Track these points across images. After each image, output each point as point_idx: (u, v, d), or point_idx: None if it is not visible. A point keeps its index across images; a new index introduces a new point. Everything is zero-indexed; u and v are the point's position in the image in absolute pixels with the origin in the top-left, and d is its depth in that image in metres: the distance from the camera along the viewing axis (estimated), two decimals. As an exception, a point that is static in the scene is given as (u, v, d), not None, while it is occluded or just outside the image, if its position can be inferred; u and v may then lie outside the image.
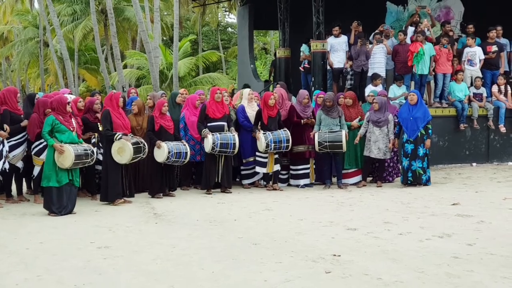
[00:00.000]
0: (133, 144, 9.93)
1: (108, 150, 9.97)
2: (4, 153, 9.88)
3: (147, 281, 5.68)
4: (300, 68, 17.07)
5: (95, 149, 10.36)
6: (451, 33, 15.58)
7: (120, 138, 9.82)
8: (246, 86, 16.18)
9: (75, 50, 40.19)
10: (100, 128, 10.43)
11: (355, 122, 11.80)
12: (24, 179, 10.82)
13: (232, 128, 11.23)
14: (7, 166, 9.95)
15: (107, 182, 10.00)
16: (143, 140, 10.31)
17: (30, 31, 45.49)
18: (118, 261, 6.36)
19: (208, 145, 10.89)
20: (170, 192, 10.91)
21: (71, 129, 9.32)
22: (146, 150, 10.27)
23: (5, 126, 9.79)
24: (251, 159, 11.65)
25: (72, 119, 9.48)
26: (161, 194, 10.75)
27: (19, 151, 10.11)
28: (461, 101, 14.57)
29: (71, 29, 36.82)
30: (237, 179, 12.08)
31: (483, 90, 14.94)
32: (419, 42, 14.16)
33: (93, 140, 10.50)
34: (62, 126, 9.20)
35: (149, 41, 25.93)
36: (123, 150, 9.85)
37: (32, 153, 10.10)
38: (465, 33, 16.20)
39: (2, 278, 5.83)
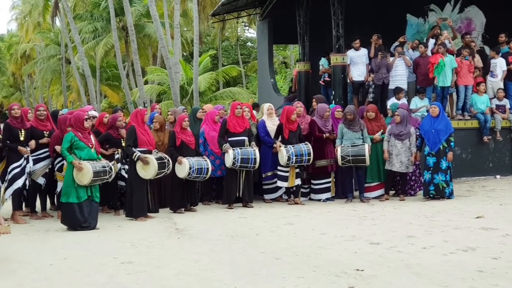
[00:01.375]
0: (157, 159, 9.97)
1: (133, 166, 10.02)
2: (27, 169, 9.99)
3: (170, 296, 5.69)
4: (320, 81, 17.06)
5: (118, 165, 10.45)
6: (472, 44, 15.49)
7: (138, 159, 9.87)
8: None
9: (96, 67, 40.60)
10: (123, 144, 10.48)
11: (377, 136, 11.74)
12: (48, 195, 10.89)
13: (253, 143, 11.24)
14: (41, 182, 10.14)
15: (132, 198, 10.05)
16: (167, 156, 10.35)
17: (52, 48, 46.11)
18: (141, 276, 6.37)
19: (229, 160, 10.90)
20: (192, 207, 10.92)
21: (90, 145, 9.38)
22: (171, 165, 10.31)
23: (30, 143, 9.94)
24: (269, 173, 11.65)
25: (91, 135, 9.55)
26: (183, 209, 10.76)
27: (38, 166, 10.21)
28: (484, 113, 14.46)
29: (92, 46, 37.19)
30: (260, 195, 12.02)
31: (506, 102, 14.82)
32: (439, 53, 14.10)
33: (116, 156, 10.55)
34: (81, 142, 9.27)
35: (170, 57, 26.12)
36: (148, 166, 9.90)
37: (55, 168, 10.20)
38: (487, 44, 16.07)
39: (26, 294, 5.87)
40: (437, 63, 13.99)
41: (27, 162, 10.01)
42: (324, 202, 11.56)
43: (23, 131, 10.02)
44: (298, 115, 11.81)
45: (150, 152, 10.11)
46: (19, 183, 9.91)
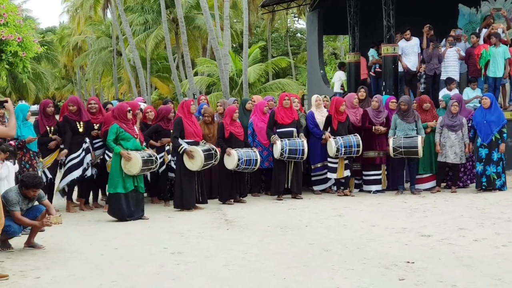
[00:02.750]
0: (204, 151, 10.04)
1: (180, 158, 10.12)
2: (87, 160, 10.17)
3: (220, 286, 5.74)
4: (371, 72, 16.91)
5: (169, 157, 10.56)
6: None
7: (184, 151, 9.95)
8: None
9: (147, 59, 41.05)
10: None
11: (433, 123, 11.53)
12: (100, 186, 11.06)
13: (302, 134, 11.22)
14: (89, 173, 10.29)
15: (181, 189, 10.15)
16: (214, 147, 10.41)
17: (103, 40, 46.78)
18: (190, 266, 6.45)
19: (277, 151, 10.91)
20: (241, 198, 10.97)
21: (135, 136, 9.51)
22: (218, 156, 10.36)
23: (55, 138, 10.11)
24: (319, 165, 11.63)
25: (135, 126, 9.67)
26: (232, 200, 10.82)
27: (90, 157, 10.36)
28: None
29: (143, 38, 37.58)
30: (308, 186, 12.00)
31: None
32: (486, 44, 13.86)
33: (167, 148, 10.66)
34: (126, 133, 9.39)
35: (219, 48, 26.20)
36: (194, 157, 9.98)
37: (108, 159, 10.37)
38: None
39: (78, 284, 6.00)
40: (480, 54, 13.74)
41: (87, 153, 10.20)
42: (374, 194, 11.48)
43: (81, 123, 10.20)
44: (353, 107, 11.74)
45: (197, 144, 10.19)
46: (75, 174, 10.11)
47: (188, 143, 10.09)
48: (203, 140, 10.39)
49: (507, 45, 14.44)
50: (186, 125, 10.19)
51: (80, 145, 10.13)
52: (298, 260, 6.60)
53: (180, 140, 10.08)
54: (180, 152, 10.01)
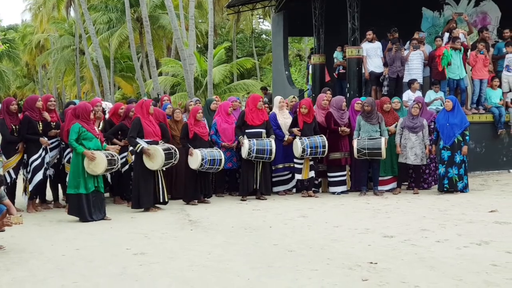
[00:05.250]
0: (164, 150, 9.98)
1: (138, 157, 10.03)
2: (46, 159, 10.05)
3: (183, 287, 5.69)
4: (335, 74, 17.00)
5: (133, 157, 10.48)
6: (486, 38, 15.38)
7: (141, 150, 9.87)
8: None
9: (110, 58, 40.68)
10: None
11: (393, 128, 11.67)
12: (60, 186, 10.93)
13: (272, 135, 11.23)
14: (50, 172, 10.19)
15: (138, 189, 10.07)
16: (174, 146, 10.35)
17: (66, 39, 46.21)
18: (154, 267, 6.39)
19: (244, 151, 10.90)
20: (205, 199, 10.93)
21: (97, 136, 9.40)
22: (177, 156, 10.30)
23: (47, 137, 10.00)
24: (280, 166, 11.66)
25: (95, 126, 9.56)
26: (196, 200, 10.77)
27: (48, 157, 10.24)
28: (498, 107, 14.37)
29: (106, 37, 37.28)
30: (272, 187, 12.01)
31: (521, 96, 14.72)
32: (445, 45, 14.09)
33: (130, 148, 10.57)
34: (88, 133, 9.26)
35: (184, 48, 26.11)
36: (154, 157, 9.90)
37: (65, 160, 10.25)
38: (501, 38, 15.96)
39: (39, 285, 5.90)
40: (442, 54, 13.94)
41: (46, 153, 10.07)
42: (338, 195, 11.54)
43: (40, 122, 10.06)
44: (323, 108, 11.80)
45: (156, 143, 10.11)
46: (40, 175, 10.00)
47: (147, 142, 10.00)
48: (161, 140, 10.30)
49: (468, 49, 14.66)
50: (145, 125, 10.08)
51: (40, 145, 9.99)
52: (262, 260, 6.59)
53: (139, 140, 9.99)
54: (138, 150, 9.92)
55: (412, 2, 18.67)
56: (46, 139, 10.02)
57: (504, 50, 15.07)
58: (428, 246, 7.08)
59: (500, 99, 14.53)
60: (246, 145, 10.84)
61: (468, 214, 9.17)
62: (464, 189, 11.38)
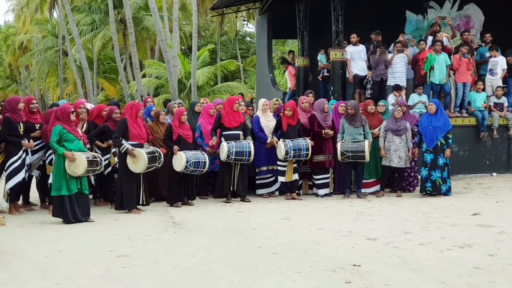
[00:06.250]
0: (148, 153, 9.94)
1: (122, 159, 9.99)
2: (27, 161, 9.98)
3: (167, 290, 5.68)
4: (319, 77, 17.04)
5: (116, 158, 10.42)
6: (469, 41, 15.49)
7: (125, 150, 9.83)
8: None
9: (94, 59, 40.50)
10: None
11: (376, 131, 11.72)
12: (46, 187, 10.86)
13: (249, 137, 11.23)
14: (34, 174, 10.11)
15: (121, 191, 10.03)
16: (158, 149, 10.32)
17: (49, 40, 45.95)
18: (137, 270, 6.36)
19: (223, 153, 10.88)
20: (189, 201, 10.90)
21: (79, 137, 9.34)
22: (162, 159, 10.28)
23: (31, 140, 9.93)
24: (264, 168, 11.65)
25: (78, 128, 9.50)
26: (180, 203, 10.74)
27: (33, 158, 10.16)
28: (481, 111, 14.47)
29: (90, 38, 37.10)
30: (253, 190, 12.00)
31: (504, 100, 14.82)
32: (429, 49, 14.18)
33: (113, 149, 10.52)
34: (70, 135, 9.18)
35: (168, 50, 26.07)
36: (137, 159, 9.86)
37: (47, 162, 10.18)
38: (484, 42, 16.09)
39: (21, 287, 5.84)
40: (425, 58, 14.02)
41: (27, 154, 9.99)
42: (321, 198, 11.55)
43: (21, 124, 9.98)
44: (304, 110, 11.82)
45: (141, 146, 10.07)
46: (20, 176, 9.89)
47: (132, 145, 9.95)
48: (146, 143, 10.27)
49: (451, 52, 14.76)
50: (131, 127, 10.05)
51: (21, 147, 9.91)
52: (246, 263, 6.58)
53: (123, 141, 9.94)
54: (122, 151, 9.88)
55: (396, 6, 18.80)
56: (28, 141, 9.91)
57: (488, 54, 15.18)
58: (411, 249, 7.11)
59: (484, 102, 14.62)
60: (225, 147, 10.83)
61: (451, 217, 9.22)
62: (447, 192, 11.44)
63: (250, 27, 51.90)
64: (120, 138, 9.96)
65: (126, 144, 9.89)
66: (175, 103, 12.44)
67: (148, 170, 10.10)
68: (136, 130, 10.10)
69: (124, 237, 8.09)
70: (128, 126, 10.03)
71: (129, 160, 9.89)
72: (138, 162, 9.87)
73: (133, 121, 10.14)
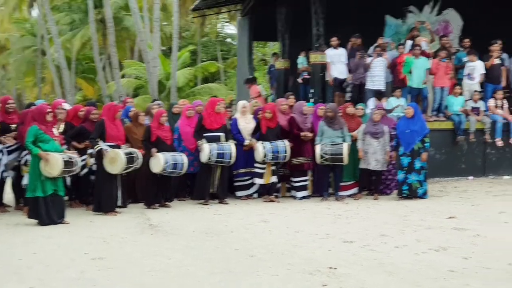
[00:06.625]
0: (126, 154, 9.89)
1: (100, 160, 9.93)
2: (4, 161, 9.89)
3: (142, 293, 5.64)
4: (299, 79, 17.08)
5: (92, 160, 10.35)
6: (448, 46, 15.62)
7: (99, 150, 9.77)
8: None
9: (72, 59, 40.20)
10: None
11: (355, 133, 11.75)
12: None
13: (231, 139, 11.22)
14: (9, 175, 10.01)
15: (100, 193, 9.96)
16: (136, 150, 10.27)
17: (27, 39, 45.46)
18: (112, 272, 6.31)
19: (204, 155, 10.86)
20: (166, 203, 10.86)
21: (55, 138, 9.27)
22: (140, 160, 10.23)
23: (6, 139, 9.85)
24: (242, 170, 11.64)
25: (54, 128, 9.43)
26: (157, 204, 10.70)
27: (8, 159, 10.08)
28: (458, 115, 14.58)
29: (69, 38, 36.81)
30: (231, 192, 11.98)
31: (480, 104, 14.94)
32: (407, 53, 14.29)
33: (90, 151, 10.45)
34: (45, 135, 9.10)
35: (148, 50, 25.97)
36: (115, 160, 9.81)
37: (21, 163, 10.09)
38: (462, 47, 16.22)
39: (-5, 289, 5.79)
40: (404, 61, 14.11)
41: (2, 155, 9.90)
42: (299, 200, 11.56)
43: None
44: (283, 112, 11.83)
45: (118, 147, 10.02)
46: None
47: (109, 146, 9.90)
48: (125, 144, 10.22)
49: (429, 57, 14.87)
50: (108, 128, 10.00)
51: None
52: (223, 265, 6.56)
53: (100, 142, 9.88)
54: (96, 150, 9.82)
55: (376, 10, 18.86)
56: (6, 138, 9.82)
57: (465, 58, 15.30)
58: (387, 252, 7.14)
59: (461, 107, 14.74)
60: (207, 149, 10.81)
61: (427, 220, 9.27)
62: (424, 195, 11.50)
63: (231, 29, 51.86)
64: (97, 140, 9.91)
65: (102, 145, 9.83)
66: (154, 104, 12.40)
67: (126, 171, 10.05)
68: (114, 131, 10.04)
69: (99, 239, 8.03)
70: (106, 127, 9.98)
71: (106, 161, 9.83)
72: (116, 163, 9.82)
73: (111, 122, 10.09)
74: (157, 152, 10.46)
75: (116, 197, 10.09)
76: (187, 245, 7.64)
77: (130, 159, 10.00)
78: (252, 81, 17.58)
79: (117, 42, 32.96)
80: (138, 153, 10.25)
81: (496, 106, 14.99)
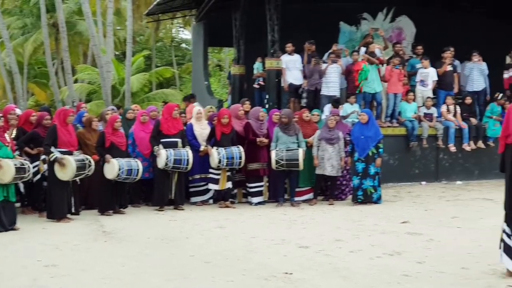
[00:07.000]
0: (77, 161, 9.75)
1: (51, 166, 9.76)
2: None
3: (95, 300, 5.56)
4: (255, 85, 17.10)
5: (45, 166, 10.17)
6: (401, 53, 15.86)
7: (55, 159, 9.63)
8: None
9: (24, 64, 39.51)
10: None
11: (311, 140, 11.80)
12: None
13: (187, 145, 11.17)
14: None
15: (51, 199, 9.81)
16: (89, 157, 10.13)
17: (-23, 43, 44.55)
18: (65, 280, 6.20)
19: (161, 161, 10.78)
20: (121, 209, 10.73)
21: (6, 144, 9.09)
22: (92, 167, 10.09)
23: None
24: (197, 176, 11.60)
25: (6, 134, 9.24)
26: (111, 211, 10.57)
27: None
28: (411, 121, 14.79)
29: (21, 42, 36.17)
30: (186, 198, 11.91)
31: (433, 110, 15.18)
32: (363, 60, 14.44)
33: (42, 156, 10.26)
34: None
35: (101, 55, 25.70)
36: (65, 167, 9.66)
37: None
38: (415, 53, 16.49)
39: None
40: (361, 69, 14.27)
41: None
42: (255, 206, 11.56)
43: None
44: (239, 117, 11.82)
45: (70, 153, 9.87)
46: None
47: (61, 152, 9.74)
48: (77, 150, 10.07)
49: (383, 63, 15.07)
50: (61, 133, 9.84)
51: None
52: (178, 272, 6.51)
53: (52, 149, 9.73)
54: (51, 159, 9.67)
55: (331, 17, 19.05)
56: None
57: (419, 65, 15.54)
58: (342, 257, 7.18)
59: (414, 113, 14.95)
60: (164, 155, 10.74)
61: (381, 225, 9.37)
62: (378, 200, 11.63)
63: (186, 34, 51.68)
64: (50, 146, 9.74)
65: (55, 152, 9.67)
66: (108, 110, 12.26)
67: (77, 177, 9.91)
68: (66, 136, 9.89)
69: (52, 246, 7.89)
70: (58, 132, 9.82)
71: (56, 167, 9.67)
72: (66, 170, 9.66)
73: (63, 127, 9.93)
74: (112, 158, 10.33)
75: (69, 203, 9.93)
76: (141, 252, 7.56)
77: (82, 165, 9.85)
78: (190, 98, 16.36)
79: (70, 46, 32.50)
80: (91, 160, 10.10)
81: (448, 112, 15.25)
